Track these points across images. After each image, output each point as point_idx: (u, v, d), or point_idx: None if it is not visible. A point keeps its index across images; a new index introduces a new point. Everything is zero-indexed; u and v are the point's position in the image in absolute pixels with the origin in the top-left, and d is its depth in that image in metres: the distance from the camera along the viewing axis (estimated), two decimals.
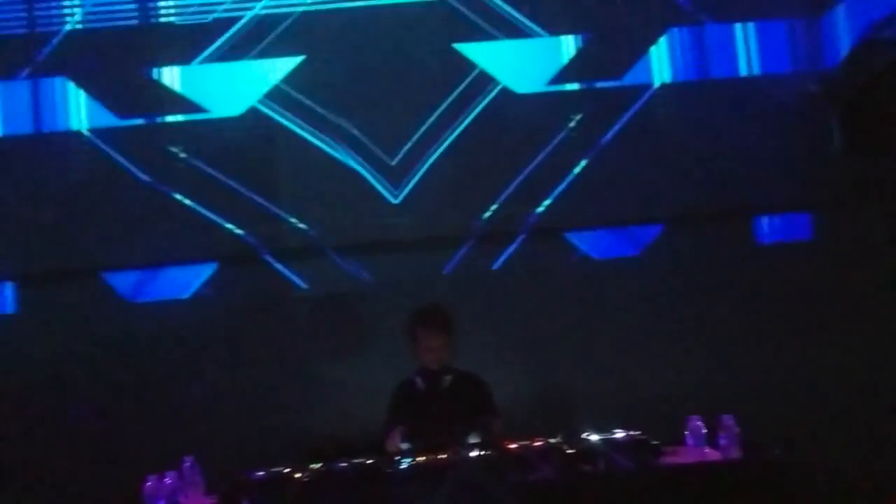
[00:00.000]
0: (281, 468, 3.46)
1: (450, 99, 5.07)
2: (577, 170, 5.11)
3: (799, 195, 5.07)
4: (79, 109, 5.02)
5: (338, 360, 4.84)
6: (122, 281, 4.95)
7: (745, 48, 5.21)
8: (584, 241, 5.09)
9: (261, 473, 3.43)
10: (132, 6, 5.06)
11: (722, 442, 3.41)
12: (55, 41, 5.01)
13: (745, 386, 4.62)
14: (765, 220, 5.13)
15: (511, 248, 5.07)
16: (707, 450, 3.48)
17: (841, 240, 4.93)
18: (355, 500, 3.31)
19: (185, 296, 4.93)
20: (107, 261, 4.94)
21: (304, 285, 5.00)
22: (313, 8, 5.05)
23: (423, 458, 3.41)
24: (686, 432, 3.52)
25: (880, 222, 4.87)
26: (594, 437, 3.48)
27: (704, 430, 3.48)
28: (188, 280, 4.96)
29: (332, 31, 5.03)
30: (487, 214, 5.07)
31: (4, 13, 5.02)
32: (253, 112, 5.03)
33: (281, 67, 5.04)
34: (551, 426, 3.62)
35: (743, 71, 5.20)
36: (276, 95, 5.03)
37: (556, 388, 4.78)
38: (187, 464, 3.54)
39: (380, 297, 4.90)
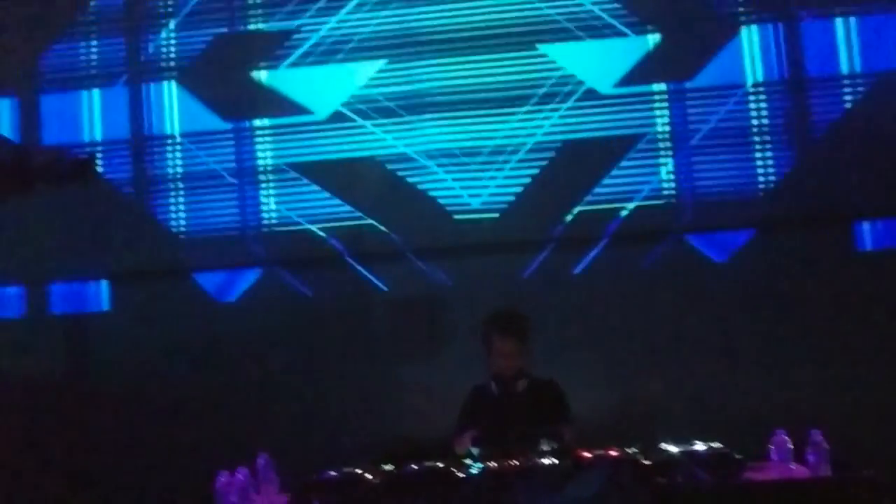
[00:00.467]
0: (352, 469, 3.46)
1: (533, 100, 5.00)
2: (662, 173, 4.96)
3: None
4: (172, 113, 5.19)
5: (415, 362, 4.84)
6: (210, 281, 5.08)
7: (847, 44, 4.95)
8: (667, 247, 4.92)
9: (332, 474, 3.43)
10: (223, 13, 5.20)
11: (810, 458, 3.23)
12: (151, 47, 5.20)
13: (837, 401, 4.39)
14: (866, 226, 4.85)
15: (593, 253, 4.95)
16: (794, 466, 3.30)
17: None
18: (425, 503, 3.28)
19: (269, 297, 5.01)
20: (196, 261, 5.07)
21: (384, 287, 5.02)
22: (396, 12, 5.07)
23: (495, 464, 3.36)
24: (771, 447, 3.34)
25: None
26: (673, 449, 3.35)
27: (790, 446, 3.30)
28: (271, 281, 5.04)
29: (414, 33, 5.05)
30: (569, 218, 4.97)
31: (104, 14, 5.23)
32: (337, 115, 5.09)
33: (364, 71, 5.09)
34: (629, 436, 3.50)
35: (844, 69, 4.94)
36: (359, 99, 5.07)
37: (635, 396, 4.64)
38: (262, 461, 3.58)
39: (458, 301, 4.87)
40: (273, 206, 5.09)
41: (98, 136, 5.21)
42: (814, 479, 3.21)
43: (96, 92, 5.22)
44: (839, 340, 4.61)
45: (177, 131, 5.17)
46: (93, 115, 5.23)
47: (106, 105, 5.21)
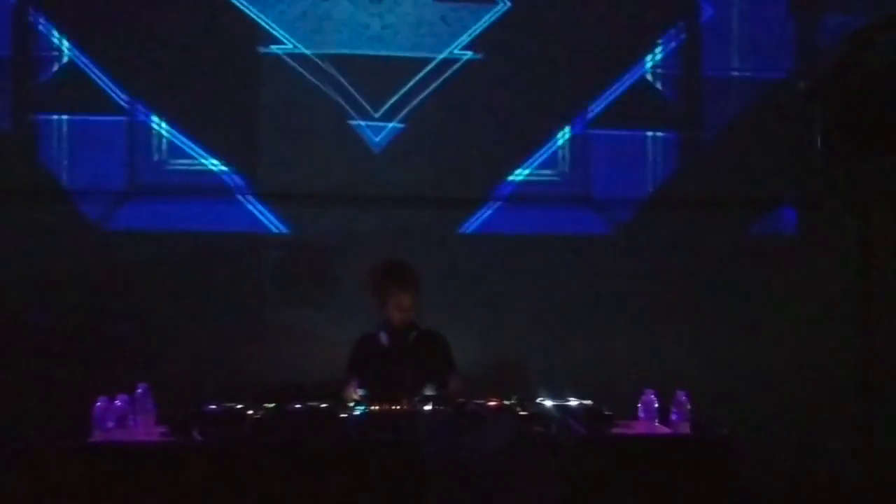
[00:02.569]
0: (234, 404, 3.46)
1: (441, 56, 5.03)
2: (560, 140, 5.11)
3: (778, 191, 5.12)
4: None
5: (302, 306, 4.84)
6: (95, 207, 4.87)
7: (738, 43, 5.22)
8: (557, 215, 5.10)
9: (213, 407, 3.43)
10: None
11: (673, 417, 3.46)
12: None
13: (703, 367, 4.69)
14: (744, 213, 5.14)
15: (484, 214, 5.06)
16: (657, 424, 3.53)
17: (814, 238, 5.01)
18: (306, 441, 3.32)
19: (163, 228, 4.86)
20: (79, 184, 4.85)
21: (277, 229, 4.96)
22: None
23: (378, 407, 3.43)
24: (639, 405, 3.56)
25: (851, 223, 4.94)
26: (548, 403, 3.51)
27: (657, 405, 3.53)
28: (164, 212, 4.88)
29: None
30: (464, 177, 5.05)
31: None
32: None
33: (275, 4, 4.96)
34: (508, 389, 3.64)
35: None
36: (266, 35, 4.94)
37: (516, 354, 4.80)
38: (140, 390, 3.53)
39: (349, 249, 4.86)
40: (165, 134, 4.92)
41: None
42: (672, 436, 3.44)
43: None
44: (710, 312, 4.92)
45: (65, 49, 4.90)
46: None
47: None
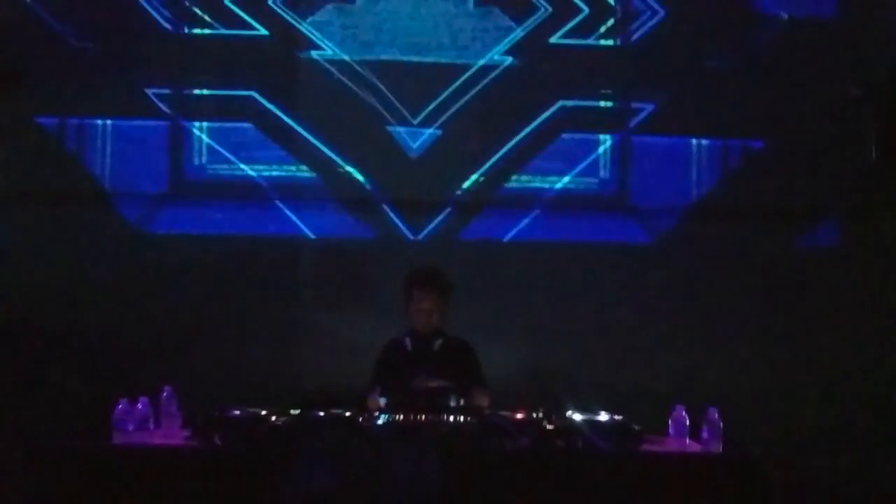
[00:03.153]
0: (258, 410, 3.44)
1: (481, 62, 4.97)
2: (601, 147, 4.99)
3: (823, 201, 4.95)
4: None
5: (333, 311, 4.82)
6: (133, 209, 4.93)
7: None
8: (596, 223, 4.98)
9: (236, 412, 3.41)
10: None
11: (704, 435, 3.33)
12: None
13: (737, 382, 4.55)
14: (788, 224, 4.98)
15: (524, 222, 4.98)
16: (688, 441, 3.40)
17: (862, 247, 4.83)
18: (328, 448, 3.28)
19: (200, 230, 4.90)
20: (120, 187, 4.92)
21: (310, 234, 4.97)
22: None
23: (401, 416, 3.37)
24: (669, 421, 3.44)
25: None
26: (577, 416, 3.42)
27: (687, 422, 3.40)
28: (202, 215, 4.92)
29: None
30: (506, 184, 4.97)
31: None
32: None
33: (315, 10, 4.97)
34: (536, 401, 3.55)
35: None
36: (306, 40, 4.94)
37: (546, 365, 4.71)
38: (165, 393, 3.53)
39: (385, 254, 4.85)
40: (205, 141, 4.97)
41: None
42: (702, 454, 3.31)
43: None
44: (748, 325, 4.77)
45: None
46: None
47: None
